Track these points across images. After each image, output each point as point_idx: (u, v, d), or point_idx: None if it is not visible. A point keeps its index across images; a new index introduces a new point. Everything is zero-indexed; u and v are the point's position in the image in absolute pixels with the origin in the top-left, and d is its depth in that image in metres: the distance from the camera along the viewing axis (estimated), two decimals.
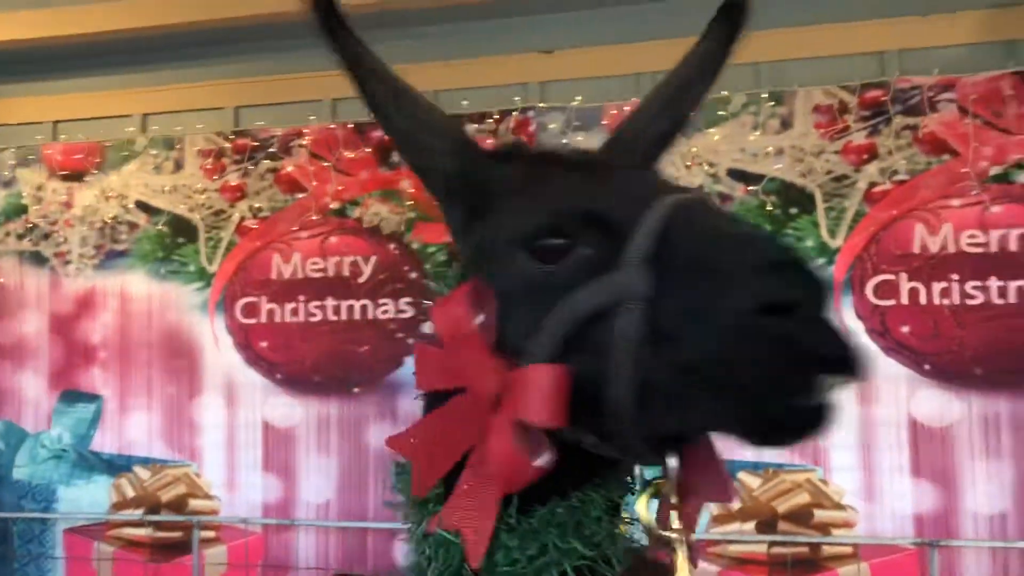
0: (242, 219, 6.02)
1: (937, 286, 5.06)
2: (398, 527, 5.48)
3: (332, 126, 5.96)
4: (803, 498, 5.13)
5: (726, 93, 5.29)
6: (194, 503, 5.92)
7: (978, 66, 5.17)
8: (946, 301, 5.04)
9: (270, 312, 5.92)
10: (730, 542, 5.17)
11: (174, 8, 5.93)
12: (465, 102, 5.59)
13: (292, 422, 5.84)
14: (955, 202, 5.11)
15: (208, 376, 5.97)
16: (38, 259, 6.31)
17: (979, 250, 5.05)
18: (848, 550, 5.08)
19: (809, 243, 5.19)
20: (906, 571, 4.99)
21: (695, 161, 5.31)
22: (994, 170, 5.08)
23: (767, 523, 5.14)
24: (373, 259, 5.81)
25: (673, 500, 1.20)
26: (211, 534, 5.87)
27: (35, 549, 6.07)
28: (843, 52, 5.42)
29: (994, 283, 5.01)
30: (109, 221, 6.20)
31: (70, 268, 6.24)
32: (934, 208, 5.14)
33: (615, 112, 5.46)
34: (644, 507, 1.21)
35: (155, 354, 6.06)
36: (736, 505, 5.12)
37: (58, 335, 6.23)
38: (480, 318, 1.22)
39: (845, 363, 1.01)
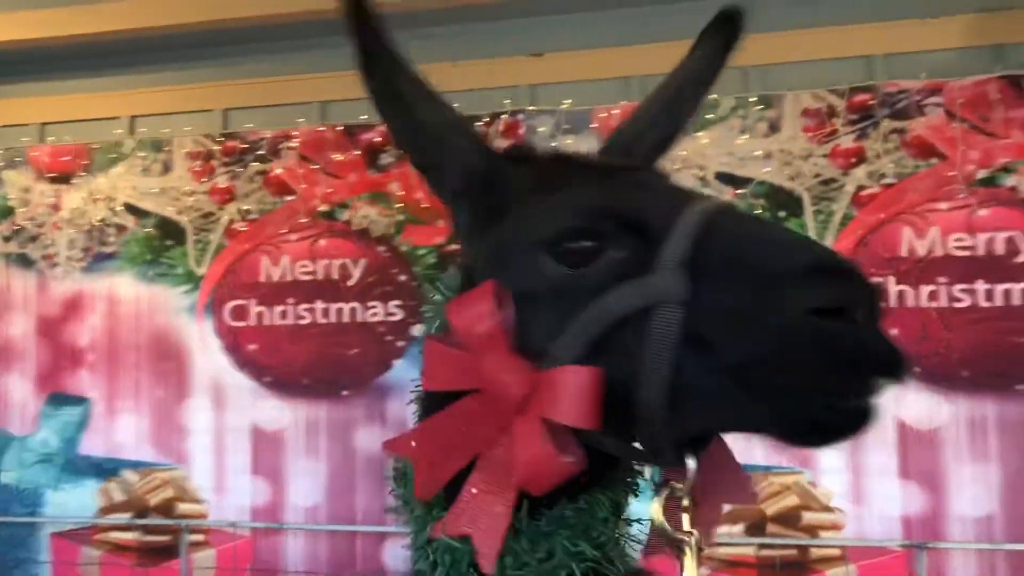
0: (231, 221, 6.01)
1: (925, 289, 5.08)
2: (387, 530, 5.51)
3: (321, 128, 5.95)
4: (791, 500, 5.14)
5: (715, 96, 5.30)
6: (182, 507, 5.89)
7: (965, 70, 5.20)
8: (933, 304, 5.06)
9: (259, 315, 5.90)
10: (719, 544, 5.17)
11: (162, 10, 5.92)
12: (455, 105, 5.58)
13: (281, 425, 5.82)
14: (942, 205, 5.14)
15: (196, 379, 5.95)
16: (25, 261, 6.27)
17: (966, 253, 5.08)
18: (836, 552, 5.10)
19: None
20: (894, 573, 5.00)
21: (684, 164, 5.33)
22: (981, 174, 5.11)
23: (756, 525, 5.15)
24: (362, 262, 5.80)
25: (686, 502, 1.21)
26: (199, 538, 5.84)
27: (22, 554, 6.03)
28: (831, 56, 5.45)
29: (981, 286, 5.04)
30: (97, 223, 6.18)
31: (57, 271, 6.21)
32: (921, 211, 5.16)
33: (604, 115, 5.47)
34: (659, 509, 1.21)
35: (143, 357, 6.03)
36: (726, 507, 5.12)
37: (45, 338, 6.20)
38: (503, 319, 1.21)
39: (895, 365, 1.04)
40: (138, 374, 6.03)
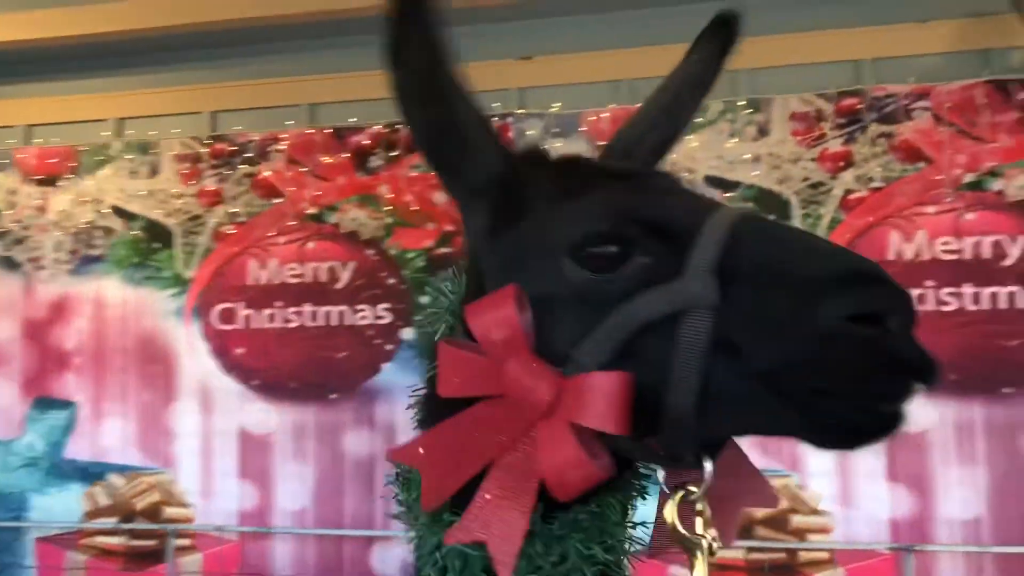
0: (219, 224, 5.98)
1: (912, 292, 5.08)
2: (375, 535, 5.49)
3: (310, 131, 5.93)
4: (780, 504, 5.15)
5: None
6: (169, 511, 5.86)
7: (953, 75, 5.23)
8: (921, 307, 5.08)
9: (247, 318, 5.88)
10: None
11: (150, 12, 5.89)
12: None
13: (268, 429, 5.80)
14: (930, 209, 5.16)
15: (184, 382, 5.92)
16: (11, 264, 6.23)
17: (953, 257, 5.10)
18: (824, 555, 5.11)
19: None
20: None
21: (673, 167, 5.32)
22: (968, 178, 5.14)
23: (744, 529, 5.15)
24: (351, 265, 5.79)
25: (700, 506, 1.21)
26: (186, 542, 5.81)
27: (6, 559, 5.98)
28: (820, 60, 5.48)
29: (968, 289, 5.06)
30: (84, 226, 6.15)
31: (44, 273, 6.18)
32: (909, 215, 5.18)
33: (593, 119, 5.48)
34: (674, 512, 1.21)
35: (130, 360, 6.00)
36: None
37: (31, 341, 6.16)
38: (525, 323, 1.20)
39: (928, 372, 1.06)
40: (125, 377, 6.00)
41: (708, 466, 1.18)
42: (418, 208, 5.67)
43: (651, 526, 1.30)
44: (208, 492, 5.83)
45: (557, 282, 1.22)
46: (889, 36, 5.38)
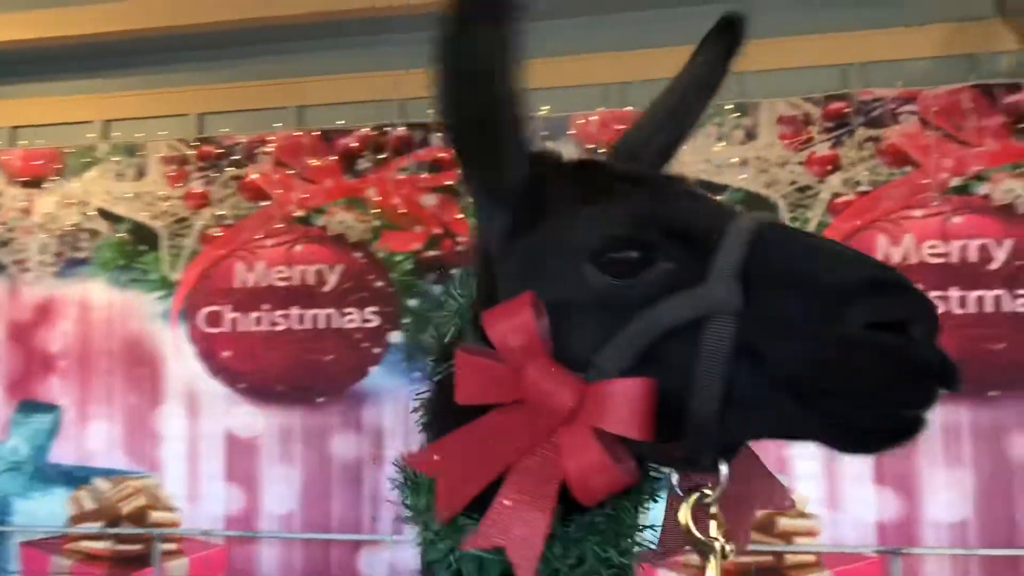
0: (205, 227, 5.96)
1: None
2: (362, 538, 5.47)
3: (298, 133, 5.92)
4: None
5: None
6: (155, 515, 5.83)
7: (939, 79, 5.26)
8: None
9: (233, 321, 5.86)
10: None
11: (136, 14, 5.87)
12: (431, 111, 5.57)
13: (255, 432, 5.78)
14: (917, 213, 5.19)
15: (170, 386, 5.90)
16: None
17: (940, 260, 5.13)
18: (811, 558, 5.12)
19: None
20: None
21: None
22: (954, 182, 5.17)
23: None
24: (338, 268, 5.78)
25: (714, 509, 1.21)
26: (172, 547, 5.78)
27: None
28: (807, 64, 5.49)
29: (955, 293, 5.09)
30: (70, 228, 6.11)
31: (29, 276, 6.14)
32: (896, 219, 5.21)
33: (582, 122, 5.48)
34: (688, 514, 1.21)
35: (116, 363, 5.97)
36: None
37: (16, 343, 6.12)
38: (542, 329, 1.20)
39: (950, 378, 1.06)
40: (110, 381, 5.96)
41: (724, 469, 1.18)
42: (406, 211, 5.66)
43: (659, 529, 1.30)
44: (194, 496, 5.81)
45: (578, 287, 1.21)
46: (876, 41, 5.40)
